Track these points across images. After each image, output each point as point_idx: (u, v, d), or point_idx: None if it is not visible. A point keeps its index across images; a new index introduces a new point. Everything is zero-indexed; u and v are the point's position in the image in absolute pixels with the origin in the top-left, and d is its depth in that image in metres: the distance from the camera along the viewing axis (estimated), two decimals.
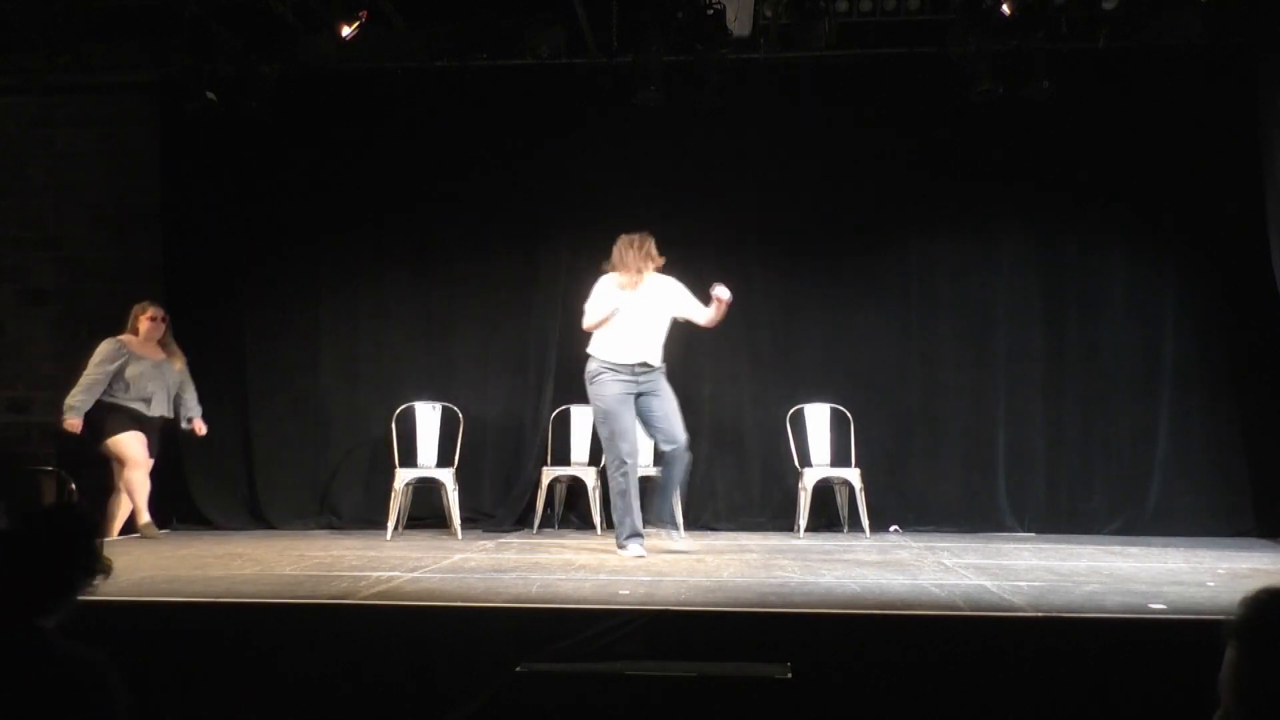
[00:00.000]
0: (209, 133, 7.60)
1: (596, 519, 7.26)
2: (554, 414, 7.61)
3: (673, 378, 7.61)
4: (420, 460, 7.31)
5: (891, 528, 7.31)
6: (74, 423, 6.78)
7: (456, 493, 7.14)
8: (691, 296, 6.14)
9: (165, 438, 7.82)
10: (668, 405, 6.03)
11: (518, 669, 3.84)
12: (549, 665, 3.85)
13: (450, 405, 7.47)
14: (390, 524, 7.01)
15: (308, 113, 7.72)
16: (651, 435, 6.18)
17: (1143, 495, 7.34)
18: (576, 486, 7.52)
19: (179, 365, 7.09)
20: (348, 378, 7.83)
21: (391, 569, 5.22)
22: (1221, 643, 1.89)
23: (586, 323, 6.05)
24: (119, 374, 6.86)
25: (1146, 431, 7.38)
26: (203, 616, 4.17)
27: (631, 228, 7.68)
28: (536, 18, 7.14)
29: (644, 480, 7.28)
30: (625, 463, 5.97)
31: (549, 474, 7.36)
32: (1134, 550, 6.29)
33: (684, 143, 7.57)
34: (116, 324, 8.25)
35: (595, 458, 7.46)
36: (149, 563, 5.54)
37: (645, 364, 6.00)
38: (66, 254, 8.31)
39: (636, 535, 5.94)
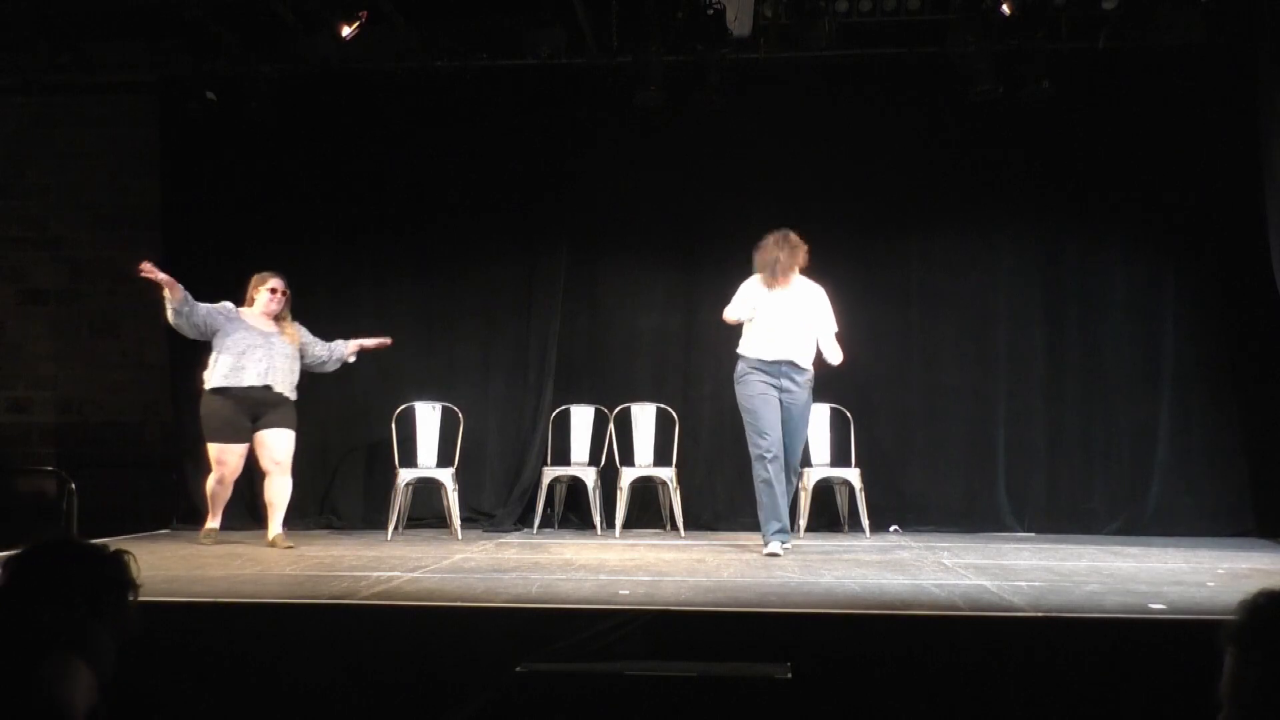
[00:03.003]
0: (209, 133, 7.60)
1: (596, 519, 7.26)
2: (554, 414, 7.61)
3: (673, 377, 7.70)
4: (420, 460, 7.31)
5: (891, 528, 7.31)
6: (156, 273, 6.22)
7: (456, 493, 7.14)
8: (829, 316, 6.13)
9: (168, 438, 7.84)
10: (796, 418, 6.03)
11: (518, 669, 3.84)
12: (549, 665, 3.84)
13: (450, 405, 7.47)
14: (390, 524, 7.01)
15: (308, 113, 7.72)
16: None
17: (1143, 495, 7.33)
18: (576, 486, 7.51)
19: (291, 340, 6.52)
20: (348, 377, 7.82)
21: (391, 569, 5.22)
22: (1221, 644, 1.89)
23: (726, 314, 6.19)
24: (219, 342, 6.33)
25: (1146, 431, 7.38)
26: (203, 616, 4.17)
27: (631, 227, 7.76)
28: (536, 18, 7.14)
29: (644, 480, 7.34)
30: (761, 458, 5.96)
31: (549, 474, 7.37)
32: (1134, 550, 6.29)
33: (683, 143, 7.58)
34: (117, 324, 8.29)
35: (595, 458, 7.47)
36: (149, 562, 5.51)
37: (790, 362, 6.00)
38: (66, 254, 8.32)
39: (782, 531, 5.95)
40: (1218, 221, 7.31)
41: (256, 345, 6.35)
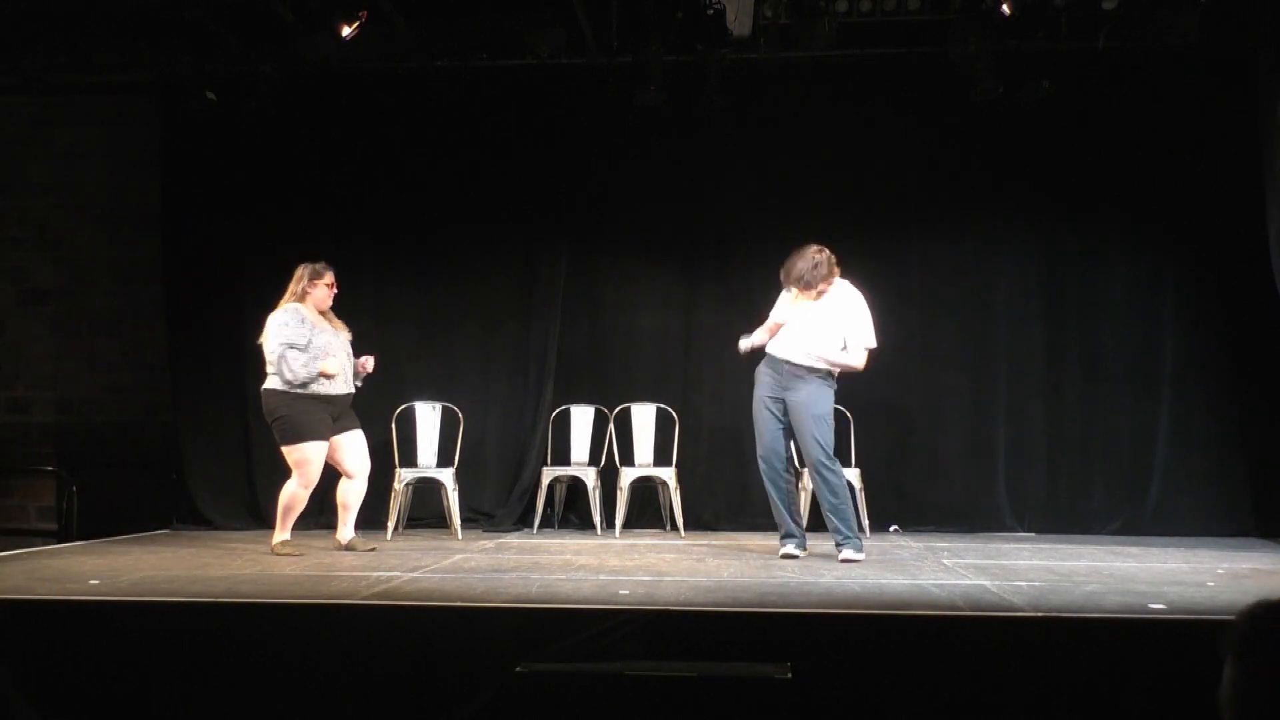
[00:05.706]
0: (209, 133, 7.60)
1: (596, 519, 7.26)
2: (554, 414, 7.61)
3: (673, 377, 7.70)
4: (420, 460, 7.31)
5: (891, 528, 7.31)
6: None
7: (456, 493, 7.14)
8: (857, 326, 5.90)
9: (168, 438, 7.83)
10: (798, 418, 5.81)
11: (518, 669, 3.84)
12: (549, 665, 3.85)
13: (450, 405, 7.47)
14: (390, 524, 7.01)
15: (308, 113, 7.71)
16: None
17: (1143, 495, 7.34)
18: (576, 486, 7.52)
19: (347, 334, 6.20)
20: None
21: (391, 569, 5.22)
22: (1221, 651, 1.88)
23: (741, 345, 6.05)
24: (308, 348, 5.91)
25: (1146, 431, 7.38)
26: (203, 616, 4.17)
27: (631, 227, 7.76)
28: (536, 18, 7.14)
29: (644, 480, 7.34)
30: (759, 462, 5.91)
31: (549, 474, 7.37)
32: (1134, 550, 6.29)
33: (684, 143, 7.58)
34: (117, 324, 8.28)
35: (595, 458, 7.47)
36: (149, 562, 5.55)
37: (788, 361, 5.85)
38: (66, 254, 8.33)
39: (788, 536, 5.90)
40: (1217, 221, 7.30)
41: (338, 349, 6.04)
